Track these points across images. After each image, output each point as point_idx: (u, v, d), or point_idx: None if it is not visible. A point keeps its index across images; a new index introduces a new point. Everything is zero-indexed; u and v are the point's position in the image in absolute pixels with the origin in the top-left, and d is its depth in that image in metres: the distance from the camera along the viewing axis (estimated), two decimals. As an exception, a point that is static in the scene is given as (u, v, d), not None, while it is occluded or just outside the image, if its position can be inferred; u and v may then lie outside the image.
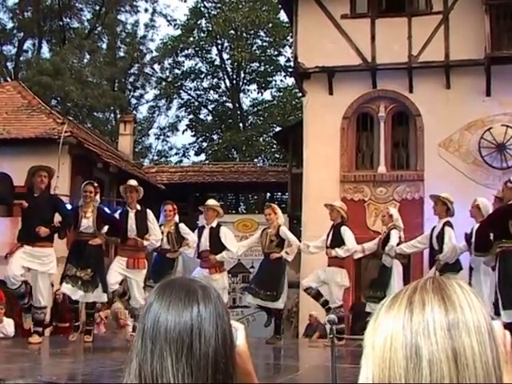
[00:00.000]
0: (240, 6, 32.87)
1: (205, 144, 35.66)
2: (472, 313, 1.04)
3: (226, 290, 10.01)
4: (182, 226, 10.17)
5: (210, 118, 36.34)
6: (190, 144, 36.10)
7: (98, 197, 9.39)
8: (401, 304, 1.07)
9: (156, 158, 35.72)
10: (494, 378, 1.01)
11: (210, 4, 34.43)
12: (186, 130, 35.86)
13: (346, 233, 9.85)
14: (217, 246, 9.91)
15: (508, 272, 7.81)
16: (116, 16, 34.96)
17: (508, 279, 7.75)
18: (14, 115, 18.28)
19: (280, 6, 21.73)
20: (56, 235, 9.05)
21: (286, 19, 22.81)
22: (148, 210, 9.79)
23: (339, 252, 9.73)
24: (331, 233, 10.02)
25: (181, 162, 34.08)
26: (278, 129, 30.46)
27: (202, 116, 36.51)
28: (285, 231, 10.20)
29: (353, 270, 14.80)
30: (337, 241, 9.83)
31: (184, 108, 36.40)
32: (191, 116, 36.30)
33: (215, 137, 35.75)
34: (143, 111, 40.92)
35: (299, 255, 12.79)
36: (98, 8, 34.44)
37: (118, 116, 31.68)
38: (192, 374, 1.21)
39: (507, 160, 14.90)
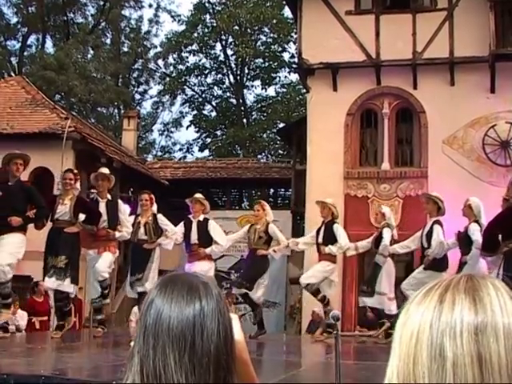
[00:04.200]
0: (244, 2, 32.87)
1: (208, 140, 35.69)
2: (503, 317, 1.01)
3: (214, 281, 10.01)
4: (161, 216, 9.90)
5: (213, 113, 36.35)
6: (193, 140, 36.19)
7: (77, 184, 9.02)
8: (431, 300, 1.05)
9: (160, 153, 35.78)
10: None
11: (214, 0, 34.44)
12: (190, 125, 35.91)
13: (339, 230, 9.97)
14: (206, 239, 9.87)
15: None
16: (120, 11, 34.98)
17: None
18: (17, 110, 18.31)
19: (284, 2, 21.69)
20: (33, 225, 8.65)
21: (291, 15, 22.74)
22: (119, 201, 9.55)
23: (332, 249, 9.84)
24: (322, 230, 10.12)
25: (184, 157, 34.12)
26: (281, 125, 30.43)
27: (205, 112, 36.54)
28: (274, 229, 10.26)
29: (356, 267, 14.83)
30: (329, 238, 9.91)
31: (188, 104, 36.43)
32: (195, 112, 36.31)
33: (219, 133, 35.76)
34: (147, 107, 41.07)
35: (302, 252, 12.82)
36: (102, 3, 34.47)
37: (122, 111, 31.73)
38: (194, 371, 1.21)
39: (511, 157, 14.88)
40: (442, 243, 9.28)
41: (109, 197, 9.35)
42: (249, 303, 10.53)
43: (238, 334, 1.44)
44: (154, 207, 9.94)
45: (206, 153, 34.85)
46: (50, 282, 8.61)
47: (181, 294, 1.26)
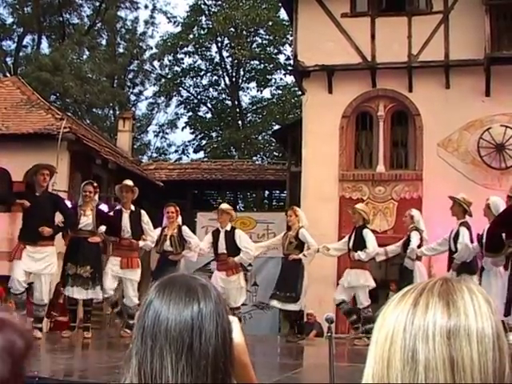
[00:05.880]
0: (240, 4, 32.83)
1: (204, 141, 35.63)
2: (477, 321, 1.01)
3: (243, 290, 10.23)
4: (185, 228, 10.18)
5: (209, 115, 36.34)
6: (188, 141, 36.14)
7: (96, 196, 9.41)
8: (406, 303, 1.05)
9: (155, 154, 35.70)
10: None
11: (210, 1, 34.43)
12: (185, 127, 35.87)
13: (368, 235, 9.92)
14: (233, 248, 10.00)
15: None
16: (116, 12, 34.94)
17: None
18: (12, 110, 18.26)
19: (280, 5, 21.71)
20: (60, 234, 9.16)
21: (286, 17, 22.79)
22: (142, 211, 9.83)
23: (361, 255, 9.79)
24: (353, 235, 10.09)
25: (180, 159, 34.05)
26: (277, 127, 30.43)
27: (201, 113, 36.48)
28: (304, 234, 10.18)
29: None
30: (359, 243, 9.89)
31: (183, 105, 36.39)
32: (190, 113, 36.23)
33: (214, 134, 35.71)
34: (142, 108, 41.07)
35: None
36: (97, 4, 34.40)
37: (117, 112, 31.68)
38: (192, 373, 1.21)
39: (506, 160, 14.90)
40: (467, 246, 9.02)
41: (132, 208, 9.72)
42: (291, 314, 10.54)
43: (238, 336, 1.44)
44: (179, 219, 10.22)
45: (201, 154, 34.84)
46: (80, 293, 9.04)
47: (179, 295, 1.26)
